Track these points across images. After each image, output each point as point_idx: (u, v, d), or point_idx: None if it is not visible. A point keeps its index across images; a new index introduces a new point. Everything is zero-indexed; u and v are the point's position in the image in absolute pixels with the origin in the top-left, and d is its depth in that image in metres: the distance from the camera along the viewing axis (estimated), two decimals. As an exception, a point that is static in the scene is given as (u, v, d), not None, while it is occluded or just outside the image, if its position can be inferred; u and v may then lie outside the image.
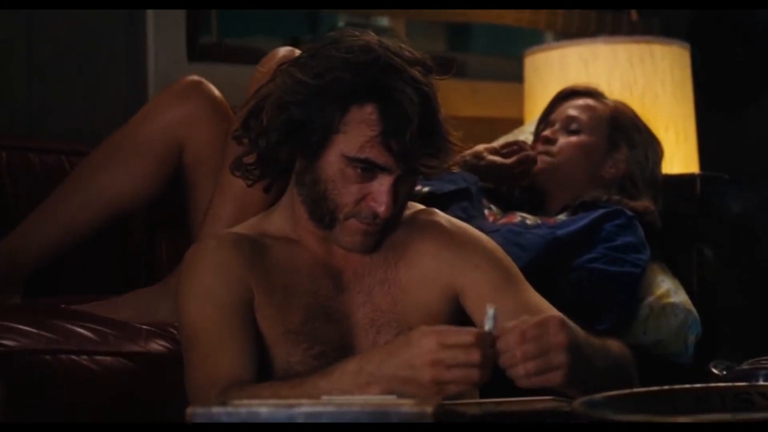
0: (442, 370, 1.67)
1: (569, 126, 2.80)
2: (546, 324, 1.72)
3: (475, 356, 1.66)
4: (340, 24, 3.25)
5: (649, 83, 3.23)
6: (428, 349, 1.68)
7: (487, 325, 1.69)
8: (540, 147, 2.79)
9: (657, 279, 2.76)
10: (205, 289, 1.93)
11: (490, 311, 1.70)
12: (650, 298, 2.71)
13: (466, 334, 1.68)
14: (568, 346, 1.71)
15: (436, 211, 2.08)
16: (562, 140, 2.78)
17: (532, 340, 1.69)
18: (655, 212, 2.76)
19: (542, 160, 2.77)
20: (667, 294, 2.74)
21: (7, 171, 2.76)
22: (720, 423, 1.32)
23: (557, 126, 2.81)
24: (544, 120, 2.87)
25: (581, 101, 2.83)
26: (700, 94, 3.55)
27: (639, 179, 2.78)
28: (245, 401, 1.48)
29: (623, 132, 2.80)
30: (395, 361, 1.72)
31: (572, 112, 2.81)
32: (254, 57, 3.27)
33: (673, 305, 2.73)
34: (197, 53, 3.29)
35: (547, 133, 2.80)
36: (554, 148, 2.77)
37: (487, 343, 1.69)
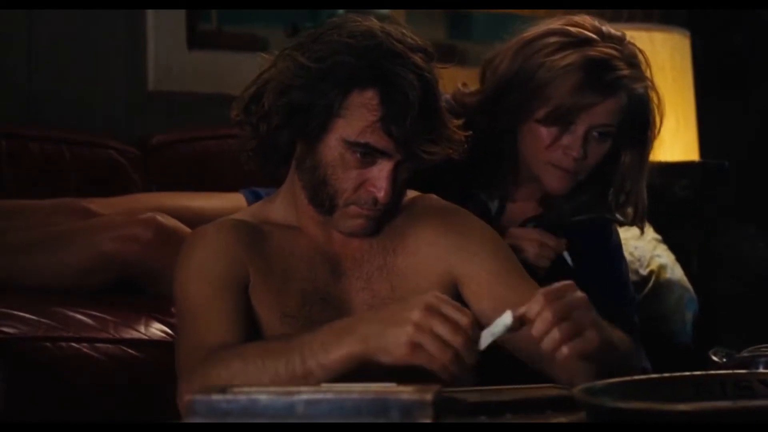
0: (422, 333, 1.64)
1: (597, 130, 2.26)
2: (562, 287, 1.70)
3: (458, 339, 1.64)
4: (340, 11, 3.24)
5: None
6: (420, 306, 1.66)
7: (497, 329, 1.67)
8: (569, 165, 2.26)
9: (654, 252, 2.76)
10: (202, 266, 1.94)
11: (508, 319, 1.65)
12: (646, 270, 2.71)
13: (463, 314, 1.66)
14: (589, 304, 1.70)
15: (435, 197, 2.08)
16: (592, 151, 2.27)
17: (556, 299, 1.66)
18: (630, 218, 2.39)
19: (566, 182, 2.29)
20: (663, 269, 2.74)
21: (7, 159, 2.76)
22: (720, 410, 1.32)
23: (581, 133, 2.24)
24: (553, 104, 2.23)
25: (617, 102, 2.25)
26: (700, 80, 3.55)
27: (636, 177, 2.34)
28: (245, 389, 1.48)
29: (641, 128, 2.32)
30: (384, 313, 1.72)
31: (606, 119, 2.25)
32: (254, 44, 3.28)
33: (670, 282, 2.74)
34: (197, 41, 3.29)
35: (575, 154, 2.23)
36: (582, 166, 2.28)
37: (476, 336, 1.66)
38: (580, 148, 2.24)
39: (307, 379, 1.71)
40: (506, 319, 1.64)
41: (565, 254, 2.29)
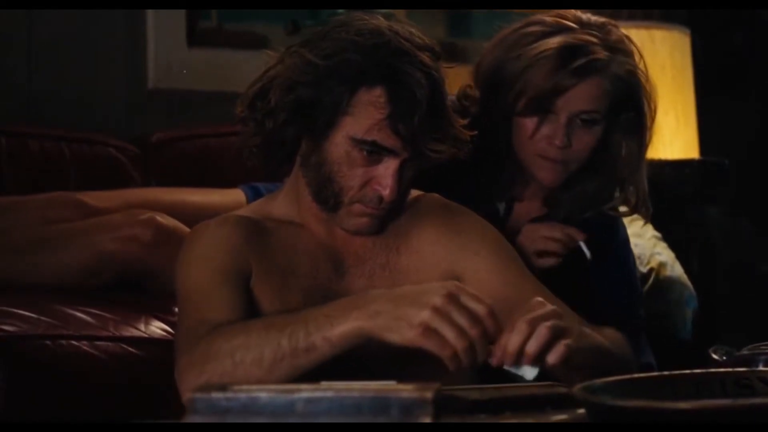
0: (439, 318, 1.65)
1: (581, 116, 2.22)
2: (529, 305, 1.71)
3: (475, 330, 1.65)
4: (340, 11, 3.24)
5: (649, 68, 3.23)
6: (441, 292, 1.66)
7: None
8: (554, 154, 2.23)
9: (654, 249, 2.76)
10: (203, 258, 1.94)
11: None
12: (646, 268, 2.71)
13: (482, 304, 1.67)
14: (560, 313, 1.71)
15: (438, 196, 2.08)
16: (577, 139, 2.23)
17: (524, 315, 1.68)
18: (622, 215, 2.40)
19: (556, 173, 2.26)
20: (663, 267, 2.74)
21: (7, 157, 2.76)
22: (720, 408, 1.32)
23: (563, 119, 2.21)
24: (530, 93, 2.21)
25: (595, 86, 2.21)
26: (700, 78, 3.55)
27: (632, 165, 2.31)
28: (245, 386, 1.48)
29: (634, 115, 2.28)
30: (399, 293, 1.72)
31: (587, 104, 2.21)
32: (254, 42, 3.28)
33: (670, 279, 2.74)
34: (197, 38, 3.29)
35: (558, 143, 2.20)
36: (569, 156, 2.24)
37: (493, 327, 1.67)
38: (563, 136, 2.21)
39: (309, 353, 1.70)
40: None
41: (583, 246, 2.27)
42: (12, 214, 2.50)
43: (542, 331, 1.66)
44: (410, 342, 1.66)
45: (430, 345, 1.65)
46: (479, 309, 1.67)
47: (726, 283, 3.54)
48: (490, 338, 1.68)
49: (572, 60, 2.19)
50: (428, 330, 1.65)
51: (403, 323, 1.66)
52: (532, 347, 1.66)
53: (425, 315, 1.65)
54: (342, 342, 1.70)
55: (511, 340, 1.66)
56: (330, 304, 1.74)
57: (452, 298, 1.66)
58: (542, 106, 2.21)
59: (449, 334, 1.65)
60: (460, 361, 1.65)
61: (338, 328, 1.69)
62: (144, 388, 2.27)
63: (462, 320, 1.65)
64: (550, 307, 1.72)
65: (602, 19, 2.27)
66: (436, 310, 1.65)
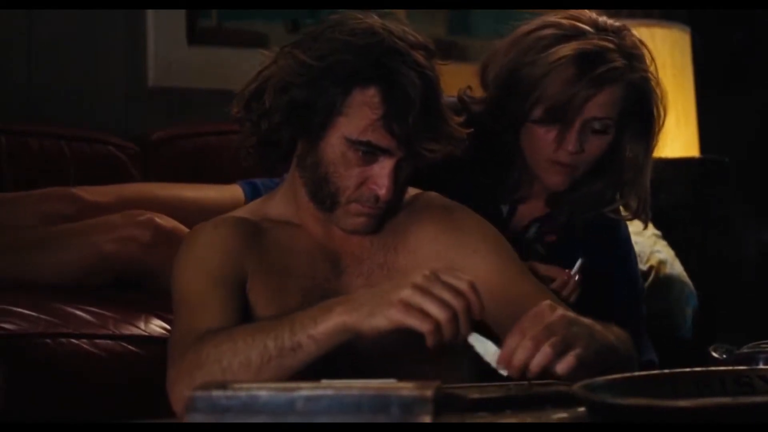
0: (418, 294, 1.65)
1: (593, 125, 2.21)
2: (539, 310, 1.71)
3: (459, 302, 1.65)
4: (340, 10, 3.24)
5: (650, 67, 3.23)
6: (420, 273, 1.67)
7: (486, 355, 1.69)
8: (565, 159, 2.21)
9: (654, 247, 2.76)
10: (198, 260, 1.94)
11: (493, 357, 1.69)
12: (646, 266, 2.71)
13: (461, 280, 1.67)
14: (569, 319, 1.71)
15: (436, 194, 2.08)
16: (589, 145, 2.22)
17: (532, 327, 1.69)
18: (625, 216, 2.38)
19: (565, 178, 2.25)
20: (663, 265, 2.74)
21: (7, 156, 2.76)
22: (720, 406, 1.32)
23: (577, 126, 2.19)
24: (548, 102, 2.19)
25: (612, 94, 2.19)
26: (700, 77, 3.55)
27: (637, 167, 2.30)
28: (244, 385, 1.48)
29: (644, 121, 2.27)
30: (380, 286, 1.74)
31: (601, 112, 2.19)
32: (254, 40, 3.28)
33: (670, 277, 2.74)
34: (197, 37, 3.29)
35: (570, 148, 2.18)
36: (579, 160, 2.23)
37: (476, 300, 1.68)
38: (575, 142, 2.19)
39: (295, 352, 1.71)
40: (492, 352, 1.69)
41: (576, 268, 2.24)
42: (8, 208, 2.50)
43: (546, 350, 1.66)
44: (391, 321, 1.66)
45: (410, 320, 1.65)
46: (461, 284, 1.67)
47: (726, 281, 3.54)
48: (474, 313, 1.67)
49: (590, 68, 2.16)
50: (408, 306, 1.65)
51: (383, 306, 1.67)
52: (535, 366, 1.66)
53: (405, 292, 1.66)
54: (327, 339, 1.70)
55: (516, 356, 1.66)
56: (314, 307, 1.75)
57: (433, 276, 1.67)
58: (560, 117, 2.18)
59: (431, 307, 1.65)
60: (442, 336, 1.65)
61: (322, 325, 1.70)
62: (144, 386, 2.26)
63: (445, 294, 1.65)
64: (559, 312, 1.71)
65: (617, 23, 2.25)
66: (417, 287, 1.66)
